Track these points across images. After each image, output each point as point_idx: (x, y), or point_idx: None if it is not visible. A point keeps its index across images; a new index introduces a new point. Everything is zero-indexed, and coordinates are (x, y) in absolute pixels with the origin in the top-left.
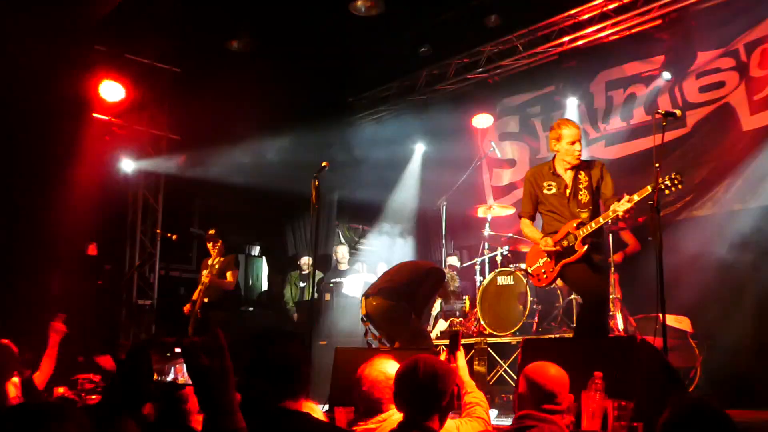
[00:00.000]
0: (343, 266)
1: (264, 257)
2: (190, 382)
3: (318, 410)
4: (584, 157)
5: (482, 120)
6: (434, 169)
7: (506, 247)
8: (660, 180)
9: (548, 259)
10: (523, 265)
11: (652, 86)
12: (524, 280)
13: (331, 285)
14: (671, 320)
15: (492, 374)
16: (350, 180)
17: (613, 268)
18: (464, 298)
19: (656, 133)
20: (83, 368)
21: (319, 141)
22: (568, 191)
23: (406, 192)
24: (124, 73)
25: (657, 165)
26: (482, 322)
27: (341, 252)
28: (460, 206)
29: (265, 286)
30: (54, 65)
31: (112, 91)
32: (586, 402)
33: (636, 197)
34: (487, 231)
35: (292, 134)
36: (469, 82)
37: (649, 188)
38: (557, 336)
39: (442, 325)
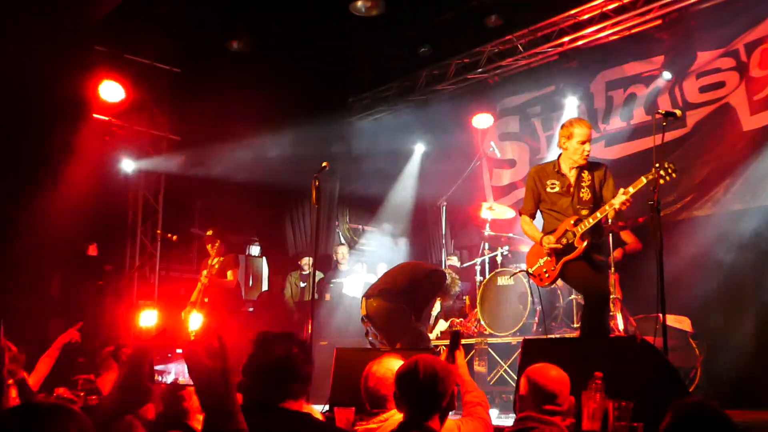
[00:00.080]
0: (344, 266)
1: (264, 257)
2: (190, 382)
3: (315, 411)
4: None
5: (482, 120)
6: (434, 169)
7: (506, 248)
8: (654, 170)
9: (548, 258)
10: (523, 266)
11: (652, 86)
12: (524, 280)
13: (332, 285)
14: (671, 320)
15: (492, 374)
16: (350, 180)
17: (613, 268)
18: (464, 298)
19: (656, 134)
20: (83, 369)
21: (320, 141)
22: (571, 189)
23: (406, 192)
24: (124, 74)
25: (657, 165)
26: (482, 322)
27: (341, 252)
28: (461, 206)
29: (265, 286)
30: (54, 65)
31: (112, 91)
32: (586, 402)
33: (631, 189)
34: (487, 231)
35: (292, 135)
36: (469, 82)
37: (643, 179)
38: (557, 336)
39: (443, 325)
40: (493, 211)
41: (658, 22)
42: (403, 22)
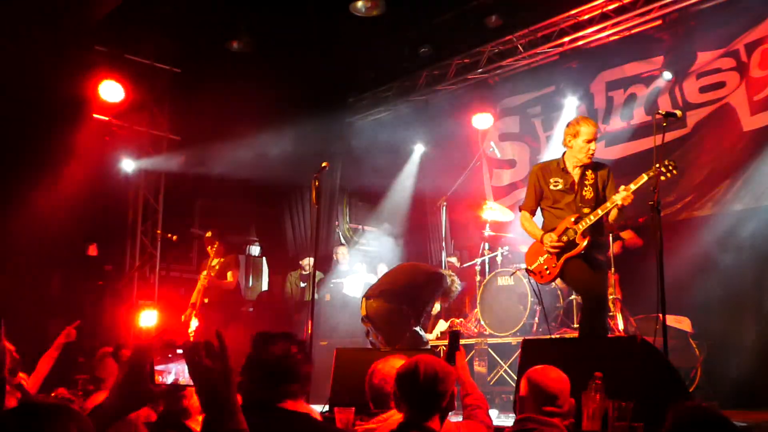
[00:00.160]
0: (344, 266)
1: (264, 257)
2: (190, 383)
3: (314, 411)
4: None
5: (482, 120)
6: (435, 169)
7: (506, 248)
8: (655, 167)
9: (549, 256)
10: (523, 265)
11: (652, 86)
12: (524, 280)
13: (332, 285)
14: (671, 321)
15: (492, 374)
16: (351, 180)
17: (613, 269)
18: (465, 298)
19: (657, 134)
20: (83, 369)
21: (320, 141)
22: (575, 188)
23: (406, 192)
24: (124, 74)
25: (657, 165)
26: (482, 322)
27: (341, 252)
28: (461, 206)
29: (265, 286)
30: (54, 65)
31: (112, 91)
32: (586, 402)
33: (633, 186)
34: (487, 231)
35: (293, 134)
36: (469, 82)
37: (644, 176)
38: (557, 336)
39: (443, 325)
40: (494, 211)
41: (659, 22)
42: (403, 22)
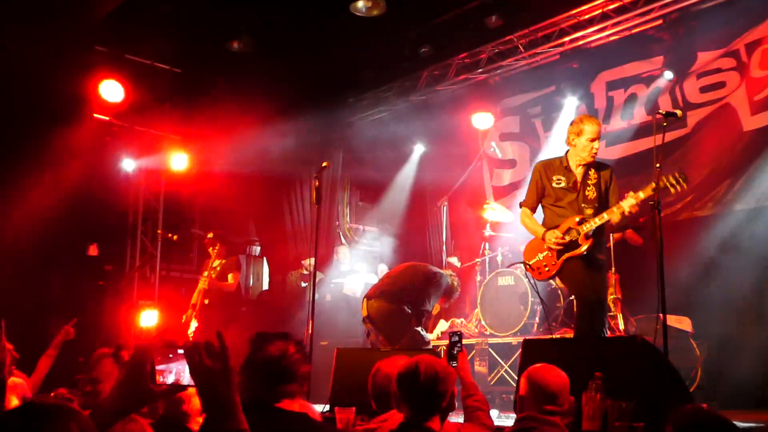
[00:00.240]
0: (344, 266)
1: (264, 257)
2: (190, 383)
3: (314, 410)
4: None
5: (483, 120)
6: (435, 169)
7: (507, 248)
8: (664, 178)
9: (549, 253)
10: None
11: (652, 86)
12: (525, 280)
13: (332, 285)
14: (672, 320)
15: (493, 374)
16: (351, 180)
17: (614, 269)
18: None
19: (657, 134)
20: (84, 369)
21: (320, 142)
22: (577, 186)
23: (406, 192)
24: (124, 74)
25: (658, 165)
26: (483, 322)
27: (342, 252)
28: (461, 206)
29: (266, 286)
30: (54, 66)
31: (112, 91)
32: (586, 402)
33: (641, 194)
34: (487, 231)
35: (293, 135)
36: (470, 82)
37: (654, 185)
38: (558, 336)
39: (443, 325)
40: (494, 211)
41: (659, 22)
42: (403, 22)
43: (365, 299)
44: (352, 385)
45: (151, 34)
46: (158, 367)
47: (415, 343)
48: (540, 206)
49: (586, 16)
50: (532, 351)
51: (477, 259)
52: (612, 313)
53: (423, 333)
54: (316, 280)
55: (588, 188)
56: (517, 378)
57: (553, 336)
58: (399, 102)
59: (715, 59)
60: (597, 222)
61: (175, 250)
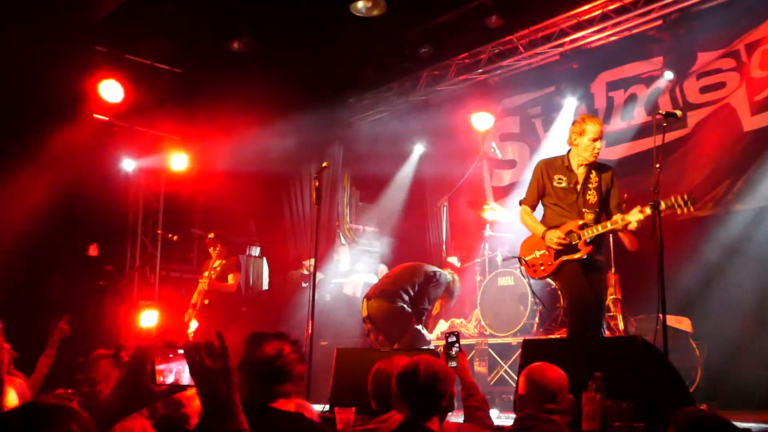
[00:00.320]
0: (344, 267)
1: (264, 258)
2: (190, 383)
3: (312, 410)
4: None
5: (482, 120)
6: (435, 169)
7: (507, 248)
8: (672, 198)
9: (546, 252)
10: (519, 262)
11: (653, 87)
12: (524, 281)
13: (332, 285)
14: (671, 321)
15: (492, 375)
16: (351, 180)
17: (613, 269)
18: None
19: (657, 134)
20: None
21: (320, 142)
22: (578, 187)
23: (406, 192)
24: (124, 74)
25: (658, 166)
26: (483, 322)
27: (342, 252)
28: (461, 207)
29: (266, 287)
30: (54, 66)
31: (112, 91)
32: (586, 402)
33: (648, 210)
34: (487, 231)
35: (293, 135)
36: (470, 82)
37: (663, 204)
38: (558, 336)
39: (443, 325)
40: (494, 211)
41: (659, 22)
42: (403, 22)
43: (365, 299)
44: (352, 385)
45: (151, 34)
46: (158, 367)
47: (416, 342)
48: (540, 204)
49: (586, 17)
50: (532, 351)
51: (477, 260)
52: (612, 313)
53: (424, 332)
54: (316, 280)
55: (589, 192)
56: (516, 378)
57: (553, 336)
58: (399, 102)
59: (715, 59)
60: (600, 230)
61: (175, 250)
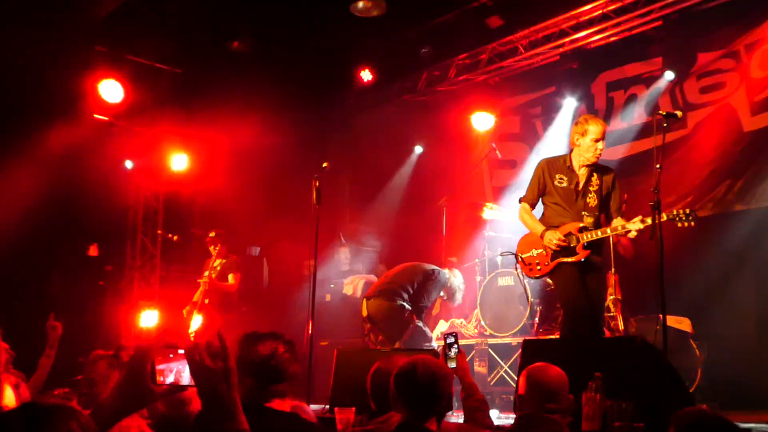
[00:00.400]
0: (344, 267)
1: (264, 258)
2: (190, 383)
3: (309, 411)
4: None
5: (483, 120)
6: (435, 169)
7: (506, 248)
8: (674, 211)
9: (543, 252)
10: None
11: (653, 87)
12: (521, 278)
13: (332, 285)
14: (671, 321)
15: (493, 375)
16: (351, 180)
17: (613, 269)
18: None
19: (657, 134)
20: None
21: (320, 142)
22: (579, 188)
23: (406, 192)
24: (124, 74)
25: (658, 166)
26: (483, 323)
27: (342, 253)
28: (461, 207)
29: (265, 287)
30: (55, 66)
31: (112, 91)
32: (586, 402)
33: (649, 221)
34: (487, 231)
35: (293, 135)
36: (470, 82)
37: (664, 216)
38: (558, 336)
39: (443, 325)
40: (494, 211)
41: (659, 23)
42: (403, 22)
43: (364, 299)
44: (352, 385)
45: (151, 34)
46: (158, 367)
47: (417, 340)
48: (540, 203)
49: (587, 17)
50: (532, 351)
51: (477, 260)
52: (612, 313)
53: (425, 329)
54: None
55: (589, 195)
56: (516, 378)
57: (553, 336)
58: (399, 102)
59: (715, 60)
60: (599, 235)
61: (176, 250)
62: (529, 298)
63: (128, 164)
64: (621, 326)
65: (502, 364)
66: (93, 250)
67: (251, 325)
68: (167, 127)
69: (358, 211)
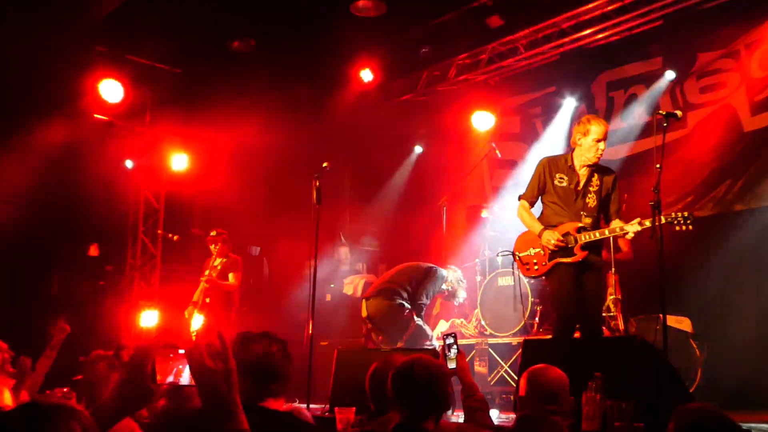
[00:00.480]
0: (344, 267)
1: (265, 258)
2: (190, 383)
3: (305, 413)
4: None
5: (483, 120)
6: (435, 169)
7: (506, 248)
8: (673, 214)
9: (541, 251)
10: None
11: (653, 87)
12: (523, 280)
13: (332, 285)
14: (672, 321)
15: (493, 375)
16: (351, 180)
17: (613, 269)
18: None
19: (657, 134)
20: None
21: (320, 141)
22: (579, 188)
23: (407, 192)
24: (124, 74)
25: (658, 166)
26: (483, 322)
27: (342, 252)
28: (461, 207)
29: (265, 287)
30: (55, 66)
31: (112, 91)
32: (587, 402)
33: (647, 223)
34: (488, 231)
35: (293, 135)
36: (470, 82)
37: (663, 219)
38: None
39: (443, 325)
40: (494, 211)
41: (659, 22)
42: (403, 22)
43: (363, 300)
44: (352, 385)
45: (151, 34)
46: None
47: (418, 338)
48: (540, 201)
49: (587, 17)
50: (532, 351)
51: (477, 260)
52: (612, 313)
53: (425, 327)
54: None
55: (589, 195)
56: (517, 378)
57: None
58: (399, 102)
59: (715, 60)
60: (597, 236)
61: (176, 250)
62: (522, 298)
63: (128, 164)
64: (621, 326)
65: (502, 363)
66: (93, 250)
67: (252, 325)
68: (167, 127)
69: (358, 211)
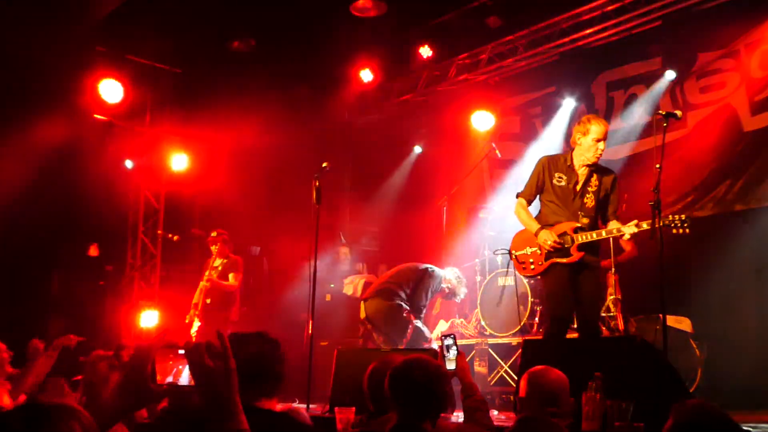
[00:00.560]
0: (344, 267)
1: (265, 258)
2: (190, 383)
3: (304, 414)
4: None
5: (483, 120)
6: (435, 169)
7: (506, 248)
8: (670, 216)
9: (537, 251)
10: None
11: (653, 87)
12: (524, 281)
13: (332, 285)
14: (672, 321)
15: (493, 375)
16: (351, 180)
17: (613, 269)
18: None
19: (657, 134)
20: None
21: (320, 142)
22: (578, 188)
23: (406, 192)
24: (124, 74)
25: (658, 166)
26: (482, 322)
27: (342, 252)
28: (461, 207)
29: (265, 287)
30: (55, 66)
31: (112, 91)
32: (586, 402)
33: (644, 225)
34: (487, 231)
35: (293, 135)
36: (470, 82)
37: (661, 221)
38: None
39: (443, 325)
40: (494, 211)
41: (659, 22)
42: (403, 22)
43: (362, 301)
44: (352, 385)
45: (151, 34)
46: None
47: (416, 339)
48: (538, 200)
49: (587, 17)
50: (532, 351)
51: (477, 259)
52: (612, 313)
53: (424, 328)
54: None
55: (587, 195)
56: (517, 378)
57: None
58: (399, 102)
59: (715, 60)
60: (594, 237)
61: (176, 250)
62: (522, 298)
63: (128, 164)
64: (621, 326)
65: (502, 364)
66: (93, 250)
67: (252, 325)
68: (167, 127)
69: (358, 211)
